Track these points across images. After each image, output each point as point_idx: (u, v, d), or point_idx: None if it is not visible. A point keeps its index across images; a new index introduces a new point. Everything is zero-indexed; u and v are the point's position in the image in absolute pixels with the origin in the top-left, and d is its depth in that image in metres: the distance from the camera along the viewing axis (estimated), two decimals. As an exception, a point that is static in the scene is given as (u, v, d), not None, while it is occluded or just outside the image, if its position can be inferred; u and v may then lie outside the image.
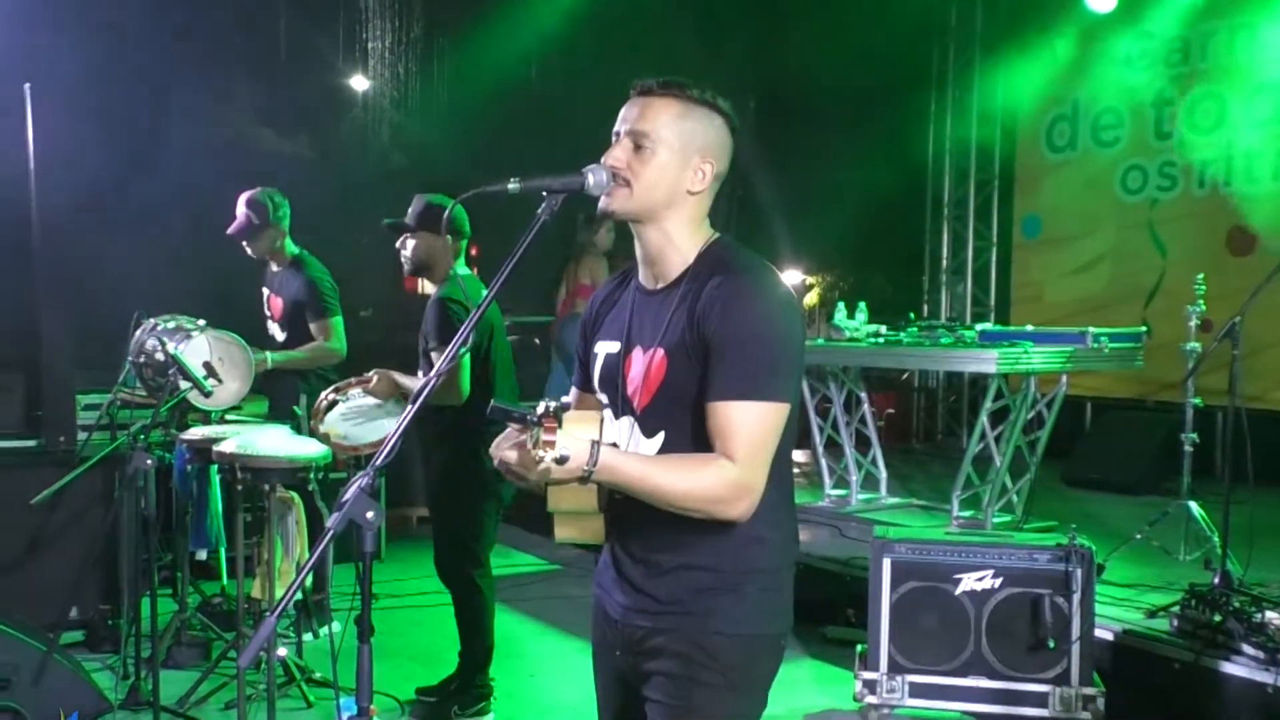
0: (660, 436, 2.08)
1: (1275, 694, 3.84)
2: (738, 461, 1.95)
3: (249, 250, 5.24)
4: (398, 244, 4.38)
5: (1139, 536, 5.41)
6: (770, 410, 1.98)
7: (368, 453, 4.28)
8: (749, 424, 1.96)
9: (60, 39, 5.19)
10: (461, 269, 4.46)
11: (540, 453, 1.82)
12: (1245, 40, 8.25)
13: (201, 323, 4.66)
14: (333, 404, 4.32)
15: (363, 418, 4.32)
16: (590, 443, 1.91)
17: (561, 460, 1.84)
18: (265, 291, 5.42)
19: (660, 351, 2.06)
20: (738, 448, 1.95)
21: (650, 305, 2.13)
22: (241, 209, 5.16)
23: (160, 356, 4.38)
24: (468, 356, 4.17)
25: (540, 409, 1.84)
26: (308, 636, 5.03)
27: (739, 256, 2.09)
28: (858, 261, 10.23)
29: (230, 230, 5.17)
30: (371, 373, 4.27)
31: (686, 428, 2.04)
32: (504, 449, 1.92)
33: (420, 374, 4.42)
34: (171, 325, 4.59)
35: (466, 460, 4.16)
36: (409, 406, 1.97)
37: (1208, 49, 8.49)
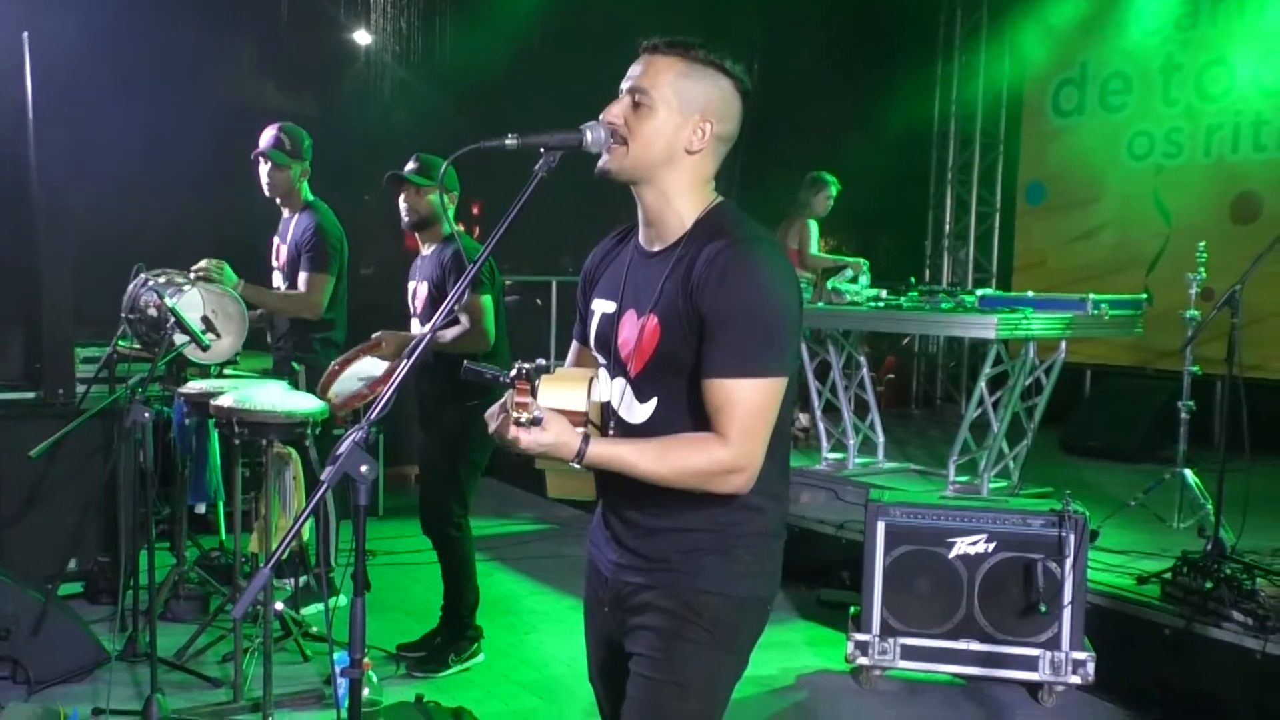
0: (654, 402, 2.07)
1: (1264, 660, 3.88)
2: (733, 439, 1.95)
3: (267, 183, 4.99)
4: (401, 199, 4.38)
5: (1133, 503, 5.43)
6: (767, 385, 1.97)
7: (353, 405, 4.29)
8: (746, 401, 1.95)
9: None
10: (451, 226, 4.49)
11: (515, 414, 1.83)
12: (1255, 6, 8.17)
13: (193, 275, 4.63)
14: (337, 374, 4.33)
15: (365, 380, 4.32)
16: (580, 436, 1.91)
17: (534, 422, 1.85)
18: (275, 241, 5.21)
19: (654, 318, 2.04)
20: (734, 425, 1.95)
21: (646, 268, 2.11)
22: (272, 131, 4.96)
23: (153, 312, 4.37)
24: (490, 299, 4.21)
25: (514, 370, 1.83)
26: (315, 607, 5.01)
27: (737, 225, 2.05)
28: (861, 226, 10.19)
29: (258, 149, 4.95)
30: (376, 335, 4.26)
31: (680, 394, 2.03)
32: (492, 416, 1.94)
33: (421, 327, 4.43)
34: (162, 280, 4.55)
35: (474, 415, 4.18)
36: (404, 361, 1.97)
37: (1217, 14, 8.42)
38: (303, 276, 4.95)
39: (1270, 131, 8.09)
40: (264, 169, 4.99)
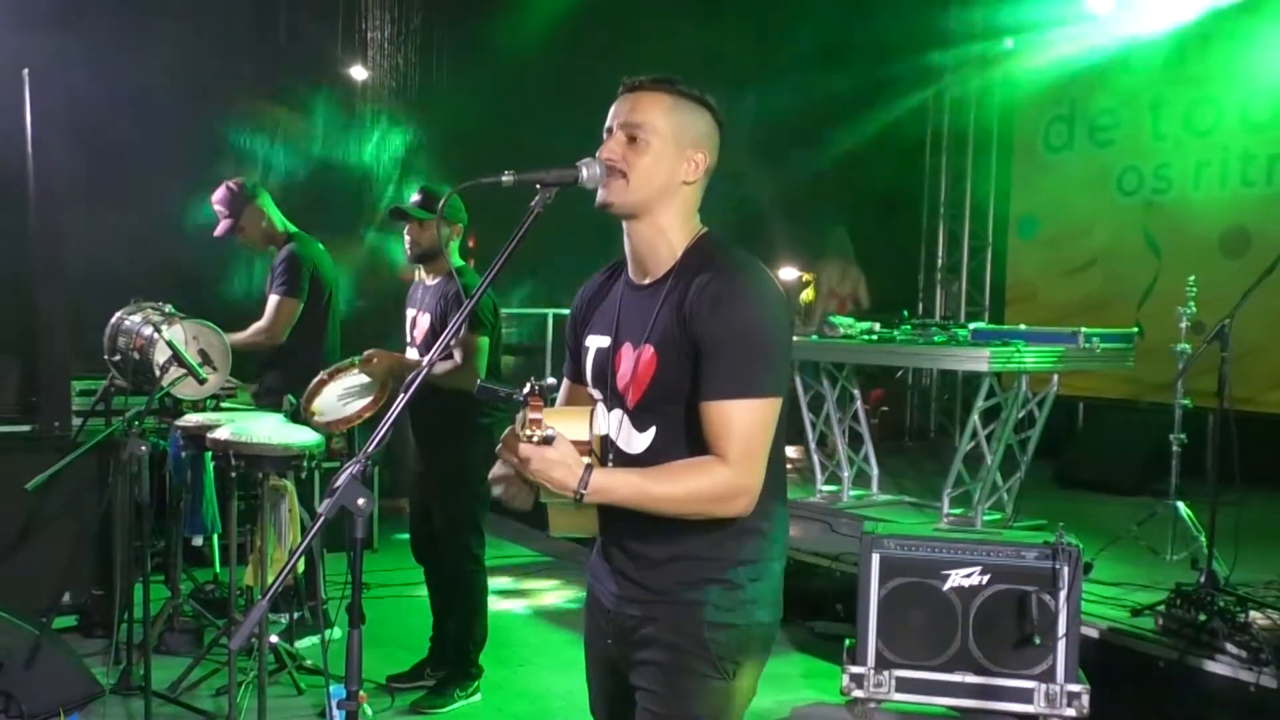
0: (652, 431, 2.09)
1: (1257, 693, 3.88)
2: (732, 461, 1.98)
3: (247, 244, 5.12)
4: (405, 231, 4.41)
5: (1126, 536, 5.44)
6: (763, 406, 2.00)
7: (341, 428, 4.30)
8: (742, 422, 1.98)
9: (59, 26, 5.19)
10: (457, 260, 4.51)
11: (527, 432, 1.85)
12: (1242, 43, 8.26)
13: (168, 309, 4.63)
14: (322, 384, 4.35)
15: (351, 397, 4.34)
16: (584, 466, 1.92)
17: (546, 440, 1.86)
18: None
19: (649, 348, 2.07)
20: (732, 447, 1.98)
21: (638, 300, 2.15)
22: (215, 209, 5.05)
23: (136, 355, 4.39)
24: (487, 340, 4.24)
25: (526, 389, 1.85)
26: (309, 640, 5.01)
27: (726, 253, 2.10)
28: (854, 259, 10.24)
29: (217, 233, 5.07)
30: (369, 352, 4.29)
31: (679, 421, 2.06)
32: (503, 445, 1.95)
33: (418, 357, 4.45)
34: (138, 317, 4.56)
35: (480, 446, 4.21)
36: (401, 395, 1.98)
37: (1204, 52, 8.51)
38: (270, 300, 4.99)
39: (1257, 166, 8.16)
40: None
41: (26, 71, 4.95)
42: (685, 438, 2.05)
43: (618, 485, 1.97)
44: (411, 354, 4.50)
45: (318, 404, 4.30)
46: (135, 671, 4.37)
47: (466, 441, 4.30)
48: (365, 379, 4.32)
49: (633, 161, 2.07)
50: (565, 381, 2.37)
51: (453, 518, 4.45)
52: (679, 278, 2.08)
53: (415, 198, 4.44)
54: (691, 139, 2.11)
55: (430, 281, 4.48)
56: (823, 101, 9.47)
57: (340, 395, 4.33)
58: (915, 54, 10.50)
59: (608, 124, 2.13)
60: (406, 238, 4.43)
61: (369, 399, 4.27)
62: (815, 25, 9.17)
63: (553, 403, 1.93)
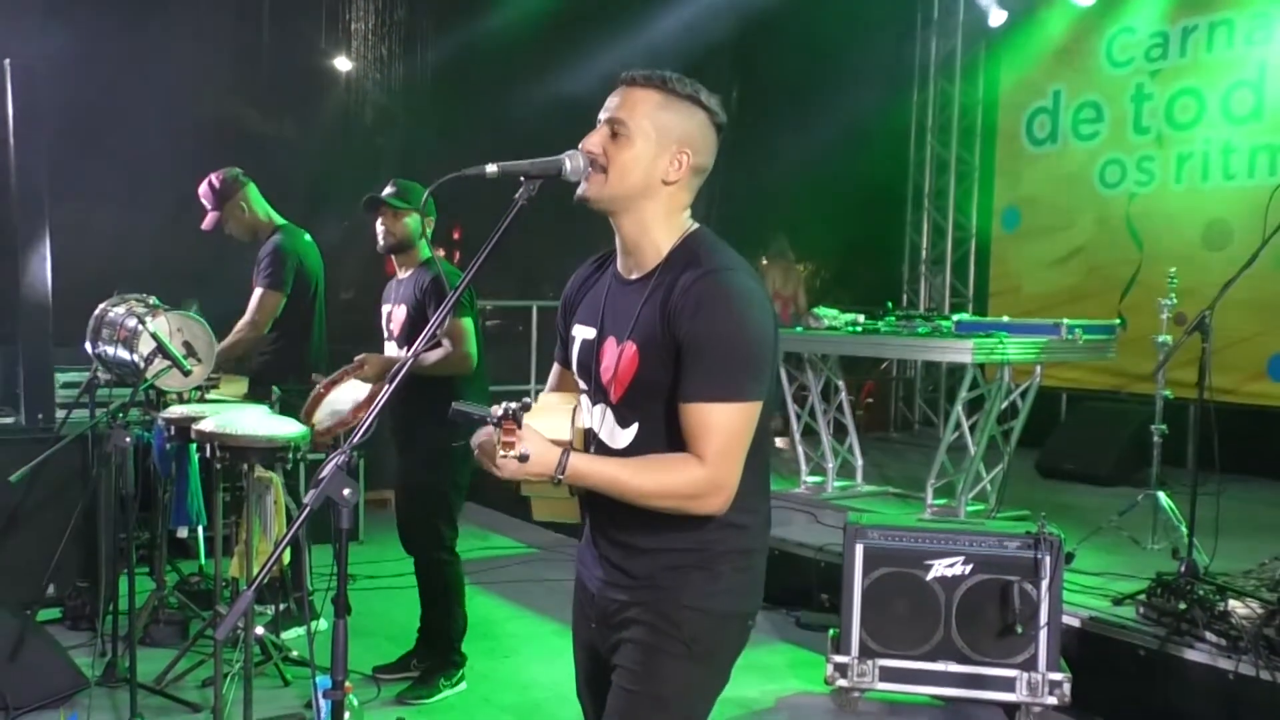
0: (635, 427, 2.11)
1: (1236, 681, 3.92)
2: (709, 462, 2.00)
3: (234, 234, 5.09)
4: (378, 222, 4.42)
5: (1108, 525, 5.49)
6: (742, 410, 2.01)
7: (340, 430, 4.30)
8: (720, 426, 2.00)
9: (42, 16, 5.17)
10: (427, 252, 4.51)
11: (501, 452, 1.89)
12: (1224, 36, 8.32)
13: (152, 300, 4.62)
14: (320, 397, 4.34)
15: (348, 405, 4.33)
16: (560, 449, 1.96)
17: (522, 459, 1.91)
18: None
19: (632, 345, 2.09)
20: (709, 449, 2.00)
21: (624, 295, 2.16)
22: (201, 202, 5.06)
23: (124, 353, 4.38)
24: (471, 321, 4.26)
25: (499, 410, 1.89)
26: (295, 631, 5.01)
27: (713, 252, 2.10)
28: (839, 251, 10.29)
29: (204, 227, 5.06)
30: (360, 357, 4.29)
31: (661, 419, 2.07)
32: (479, 438, 2.00)
33: (402, 351, 4.45)
34: (122, 309, 4.55)
35: (453, 438, 4.22)
36: (386, 385, 2.00)
37: (1187, 44, 8.56)
38: (254, 293, 4.99)
39: (1239, 159, 8.21)
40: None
41: (8, 62, 4.92)
42: (666, 436, 2.07)
43: (595, 471, 2.01)
44: (391, 348, 4.52)
45: (318, 416, 4.30)
46: (120, 664, 4.37)
47: (440, 434, 4.30)
48: (361, 385, 4.31)
49: (612, 156, 2.08)
50: (556, 366, 2.39)
51: (425, 508, 4.47)
52: (664, 275, 2.09)
53: (389, 189, 4.43)
54: (678, 138, 2.10)
55: (403, 275, 4.51)
56: (806, 95, 9.51)
57: (338, 405, 4.34)
58: (899, 47, 10.54)
59: (599, 115, 2.13)
60: (380, 228, 4.44)
61: (361, 401, 4.27)
62: (797, 14, 9.19)
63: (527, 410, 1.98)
